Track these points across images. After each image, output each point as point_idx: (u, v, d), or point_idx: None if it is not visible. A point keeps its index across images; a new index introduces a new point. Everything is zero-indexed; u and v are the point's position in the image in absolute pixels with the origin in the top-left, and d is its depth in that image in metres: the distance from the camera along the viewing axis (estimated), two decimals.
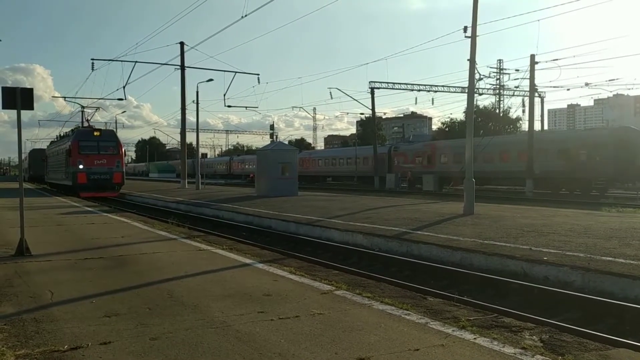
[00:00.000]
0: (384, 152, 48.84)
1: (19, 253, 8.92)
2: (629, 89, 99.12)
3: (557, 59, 52.74)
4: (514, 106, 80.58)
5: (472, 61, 16.88)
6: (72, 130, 36.68)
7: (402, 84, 47.70)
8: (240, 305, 5.67)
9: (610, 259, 8.54)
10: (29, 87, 9.31)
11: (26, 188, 37.46)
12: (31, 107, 9.15)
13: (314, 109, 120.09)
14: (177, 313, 5.35)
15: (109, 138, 31.98)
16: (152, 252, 9.45)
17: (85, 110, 37.74)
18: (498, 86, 61.18)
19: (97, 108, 41.45)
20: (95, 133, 31.65)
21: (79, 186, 29.94)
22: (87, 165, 30.02)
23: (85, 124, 37.96)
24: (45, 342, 4.47)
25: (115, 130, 48.43)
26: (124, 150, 33.45)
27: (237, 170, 78.46)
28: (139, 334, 4.68)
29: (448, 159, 40.43)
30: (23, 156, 11.49)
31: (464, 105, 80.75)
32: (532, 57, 34.01)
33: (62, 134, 43.45)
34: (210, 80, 38.89)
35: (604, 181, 30.56)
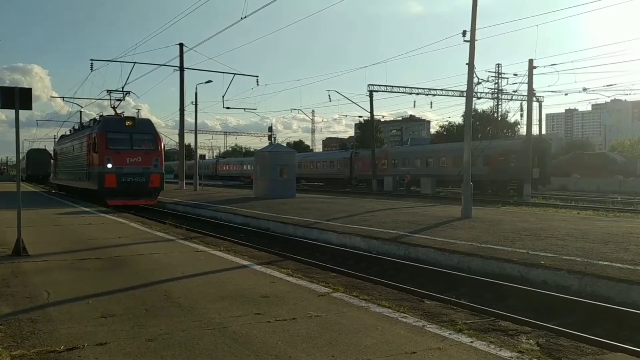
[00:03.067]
0: (347, 157, 53.59)
1: (16, 253, 8.89)
2: (627, 94, 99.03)
3: (555, 64, 52.51)
4: (512, 110, 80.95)
5: (470, 65, 16.91)
6: (94, 119, 28.48)
7: (401, 87, 47.77)
8: (237, 306, 5.66)
9: (607, 263, 8.55)
10: (27, 87, 9.29)
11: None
12: (29, 107, 9.14)
13: (313, 111, 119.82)
14: (173, 314, 5.34)
15: (144, 129, 24.70)
16: (149, 253, 9.43)
17: (112, 94, 28.19)
18: (496, 90, 61.25)
19: (128, 92, 30.58)
20: (128, 122, 24.22)
21: (106, 191, 22.97)
22: (118, 164, 22.96)
23: (106, 114, 29.12)
24: (41, 342, 4.46)
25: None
26: (163, 146, 26.47)
27: (222, 172, 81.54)
28: (135, 335, 4.66)
29: (398, 163, 46.35)
30: (21, 156, 11.46)
31: (462, 108, 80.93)
32: (531, 61, 34.06)
33: (76, 126, 34.37)
34: (209, 81, 38.79)
35: (516, 184, 34.71)
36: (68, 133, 36.50)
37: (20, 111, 9.03)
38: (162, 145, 25.63)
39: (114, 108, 28.11)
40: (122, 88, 35.31)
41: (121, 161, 23.10)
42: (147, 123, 25.95)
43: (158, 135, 25.21)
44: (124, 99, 28.80)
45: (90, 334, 4.66)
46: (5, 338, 4.58)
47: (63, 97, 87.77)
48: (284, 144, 62.33)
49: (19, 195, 9.53)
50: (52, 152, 42.56)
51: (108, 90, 28.46)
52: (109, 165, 22.88)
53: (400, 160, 46.71)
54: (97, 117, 28.01)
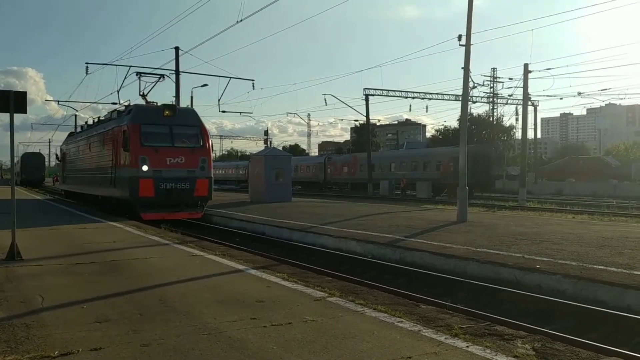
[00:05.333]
0: (321, 162, 57.08)
1: (10, 257, 8.84)
2: (621, 98, 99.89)
3: (550, 68, 52.96)
4: (507, 114, 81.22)
5: (466, 69, 16.97)
6: (116, 110, 22.63)
7: (397, 91, 47.89)
8: (232, 311, 5.64)
9: (602, 267, 8.57)
10: (21, 90, 9.26)
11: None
12: (24, 111, 9.11)
13: (308, 115, 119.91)
14: (169, 319, 5.31)
15: (188, 120, 19.41)
16: (145, 257, 9.39)
17: (141, 77, 22.47)
18: (492, 94, 61.45)
19: (161, 76, 23.77)
20: (167, 112, 18.79)
21: (140, 202, 17.69)
22: (156, 165, 17.73)
23: (132, 101, 23.11)
24: (35, 347, 4.43)
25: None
26: (211, 143, 20.65)
27: (217, 176, 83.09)
28: (130, 340, 4.64)
29: (365, 169, 48.15)
30: (15, 160, 11.39)
31: (457, 112, 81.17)
32: (526, 66, 34.20)
33: (95, 119, 26.94)
34: (205, 85, 38.76)
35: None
36: (79, 130, 30.66)
37: (15, 115, 9.00)
38: (210, 142, 20.07)
39: (143, 95, 22.07)
40: (118, 92, 34.25)
41: (160, 162, 17.79)
42: (191, 113, 20.55)
43: (205, 128, 19.70)
44: (160, 80, 23.16)
45: (84, 339, 4.63)
46: None
47: (58, 101, 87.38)
48: (280, 148, 62.41)
49: (14, 201, 9.48)
50: (58, 153, 35.55)
51: (138, 73, 22.44)
52: (145, 168, 17.57)
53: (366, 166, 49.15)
54: (122, 107, 22.39)
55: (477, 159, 36.54)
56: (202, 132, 19.32)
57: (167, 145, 18.26)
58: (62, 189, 35.01)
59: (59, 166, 37.11)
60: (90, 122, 26.97)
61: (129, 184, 17.72)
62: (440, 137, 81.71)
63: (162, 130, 18.54)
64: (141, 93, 22.32)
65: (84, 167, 25.29)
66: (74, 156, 28.76)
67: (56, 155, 37.18)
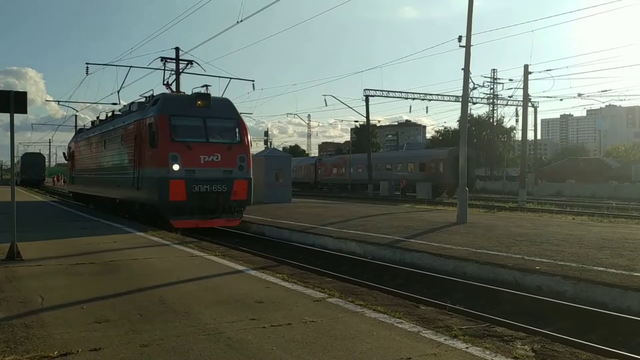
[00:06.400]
0: (312, 163, 59.21)
1: (10, 257, 8.84)
2: (621, 99, 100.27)
3: (550, 70, 52.88)
4: (508, 115, 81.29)
5: (466, 70, 16.99)
6: (139, 102, 18.95)
7: (397, 92, 47.91)
8: (232, 312, 5.64)
9: (602, 269, 8.58)
10: (22, 90, 9.26)
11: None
12: (24, 111, 9.12)
13: (309, 115, 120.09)
14: (168, 319, 5.31)
15: (224, 112, 16.76)
16: (144, 257, 9.39)
17: (167, 62, 19.64)
18: (492, 95, 61.47)
19: (189, 62, 21.03)
20: (199, 102, 16.20)
21: (171, 207, 15.25)
22: (189, 164, 15.31)
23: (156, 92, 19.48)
24: (34, 348, 4.43)
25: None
26: (250, 139, 17.65)
27: None
28: (129, 340, 4.64)
29: (354, 170, 50.95)
30: (15, 160, 11.39)
31: (458, 114, 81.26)
32: (526, 67, 34.19)
33: (108, 113, 23.68)
34: (205, 86, 38.71)
35: (445, 187, 39.34)
36: (90, 127, 27.53)
37: (15, 115, 9.00)
38: (250, 137, 17.26)
39: (167, 84, 19.30)
40: (118, 92, 33.59)
41: (193, 161, 15.37)
42: (228, 103, 17.39)
43: (243, 121, 17.05)
44: (188, 67, 20.45)
45: (84, 340, 4.63)
46: None
47: (58, 101, 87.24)
48: (280, 149, 62.58)
49: (14, 202, 9.49)
50: (65, 152, 32.68)
51: (162, 58, 19.57)
52: (175, 167, 15.14)
53: (357, 166, 51.17)
54: (146, 98, 18.83)
55: (457, 161, 37.25)
56: (240, 126, 16.75)
57: (201, 140, 15.75)
58: (70, 191, 32.22)
59: (66, 166, 34.62)
60: (102, 117, 24.52)
61: (157, 186, 15.28)
62: (440, 138, 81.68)
63: (194, 123, 15.99)
64: (165, 82, 19.44)
65: (98, 166, 22.48)
66: (85, 154, 25.84)
67: (63, 154, 34.07)
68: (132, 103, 19.52)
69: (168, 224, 14.99)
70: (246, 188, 16.13)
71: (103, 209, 21.49)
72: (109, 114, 23.31)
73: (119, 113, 21.36)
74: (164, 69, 20.70)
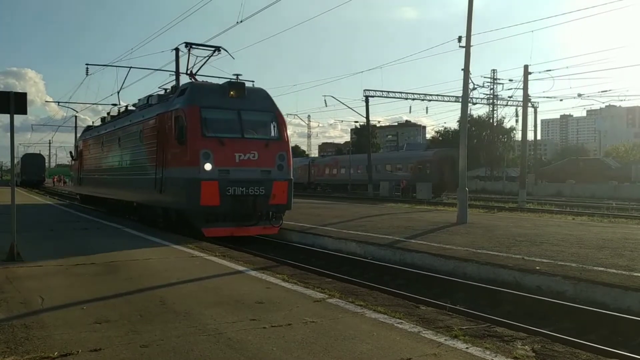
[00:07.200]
0: (306, 164, 60.29)
1: (10, 258, 8.84)
2: (621, 100, 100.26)
3: (550, 70, 52.91)
4: (508, 116, 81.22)
5: (466, 71, 17.00)
6: (159, 94, 17.47)
7: (397, 92, 47.92)
8: (232, 312, 5.64)
9: (602, 269, 8.58)
10: (22, 91, 9.27)
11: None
12: (24, 112, 9.12)
13: (309, 116, 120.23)
14: (168, 320, 5.31)
15: (260, 104, 14.91)
16: (144, 258, 9.39)
17: (192, 49, 17.30)
18: (492, 96, 61.47)
19: (217, 49, 17.93)
20: (233, 92, 14.40)
21: (201, 212, 13.41)
22: (223, 163, 13.48)
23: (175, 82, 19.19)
24: (35, 348, 4.43)
25: None
26: (288, 134, 15.33)
27: None
28: (129, 341, 4.64)
29: (345, 170, 52.57)
30: (15, 161, 11.39)
31: (458, 114, 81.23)
32: (526, 67, 34.21)
33: (120, 108, 22.45)
34: (237, 75, 38.32)
35: (434, 186, 40.62)
36: (99, 124, 25.28)
37: (15, 116, 9.00)
38: (288, 131, 15.28)
39: (191, 74, 17.16)
40: (118, 93, 32.93)
41: (227, 159, 13.53)
42: (263, 94, 15.39)
43: (281, 114, 15.29)
44: (215, 54, 17.60)
45: (84, 340, 4.63)
46: None
47: (58, 102, 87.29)
48: None
49: (13, 203, 9.49)
50: (72, 151, 30.67)
51: (187, 44, 17.26)
52: (208, 167, 13.27)
53: (347, 167, 52.77)
54: (165, 90, 17.32)
55: (442, 162, 40.75)
56: (278, 119, 14.93)
57: (236, 136, 13.91)
58: (77, 193, 30.11)
59: (72, 166, 32.90)
60: (114, 112, 23.13)
61: (187, 189, 13.42)
62: (440, 138, 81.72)
63: (228, 116, 14.15)
64: (189, 71, 17.19)
65: (112, 166, 20.57)
66: (95, 153, 23.73)
67: (70, 153, 32.21)
68: (150, 96, 17.91)
69: (196, 232, 13.33)
70: (286, 190, 14.34)
71: (116, 212, 20.04)
72: (122, 109, 21.82)
73: (133, 108, 19.82)
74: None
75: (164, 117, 14.98)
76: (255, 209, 13.79)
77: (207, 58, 17.44)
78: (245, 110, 14.31)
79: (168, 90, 17.08)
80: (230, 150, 13.56)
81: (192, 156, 13.35)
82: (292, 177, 14.59)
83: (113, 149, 20.51)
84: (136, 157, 17.38)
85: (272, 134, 14.72)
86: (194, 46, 17.26)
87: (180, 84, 18.62)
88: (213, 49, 17.47)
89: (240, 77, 16.02)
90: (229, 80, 14.75)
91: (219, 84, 15.33)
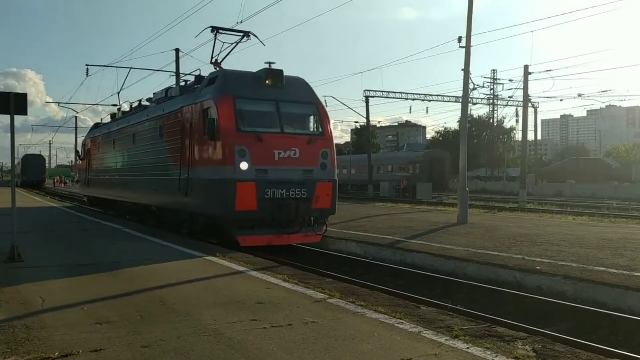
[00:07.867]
0: None
1: (10, 259, 8.84)
2: (622, 100, 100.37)
3: (550, 70, 52.93)
4: (508, 116, 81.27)
5: (466, 71, 17.01)
6: (181, 86, 16.33)
7: (397, 92, 47.93)
8: (232, 312, 5.64)
9: (602, 269, 8.58)
10: (22, 92, 9.27)
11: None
12: (25, 112, 9.11)
13: None
14: (169, 320, 5.31)
15: (299, 94, 13.12)
16: (145, 258, 9.38)
17: (218, 33, 14.95)
18: (492, 96, 61.45)
19: (246, 34, 15.68)
20: (268, 81, 12.62)
21: (236, 217, 11.75)
22: (260, 162, 11.81)
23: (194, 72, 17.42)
24: (35, 349, 4.43)
25: None
26: (331, 128, 13.41)
27: None
28: (130, 341, 4.64)
29: (346, 171, 51.65)
30: (16, 161, 11.40)
31: (458, 114, 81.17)
32: (526, 67, 34.21)
33: (133, 104, 20.95)
34: (269, 63, 38.08)
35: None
36: (110, 120, 23.22)
37: (15, 116, 9.00)
38: (331, 124, 13.38)
39: (216, 63, 15.19)
40: (118, 93, 32.57)
41: (265, 157, 11.88)
42: (303, 83, 13.56)
43: (323, 106, 13.55)
44: (244, 41, 15.37)
45: (84, 341, 4.63)
46: None
47: (58, 103, 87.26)
48: None
49: (14, 204, 9.49)
50: (80, 148, 28.54)
51: (213, 28, 15.18)
52: (244, 166, 11.63)
53: (347, 167, 53.25)
54: (186, 83, 15.85)
55: (432, 163, 43.23)
56: (320, 112, 13.12)
57: (275, 131, 12.25)
58: (84, 195, 28.18)
59: (77, 166, 30.77)
60: (126, 107, 21.32)
61: (219, 191, 11.77)
62: (440, 138, 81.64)
63: (265, 107, 12.53)
64: (214, 59, 15.25)
65: (126, 165, 18.74)
66: (106, 152, 21.80)
67: (77, 151, 30.44)
68: (169, 88, 16.52)
69: (227, 241, 11.98)
70: (330, 193, 12.56)
71: (131, 216, 18.84)
72: (134, 104, 20.23)
73: (147, 104, 18.54)
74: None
75: (190, 110, 13.27)
76: (298, 214, 12.02)
77: (234, 44, 15.35)
78: (284, 102, 12.59)
79: (192, 81, 15.47)
80: (269, 147, 11.87)
81: (226, 153, 11.67)
82: (336, 178, 12.96)
83: (127, 147, 18.66)
84: (155, 156, 15.63)
85: (314, 128, 13.06)
86: (220, 31, 15.21)
87: (184, 83, 17.22)
88: (242, 34, 15.43)
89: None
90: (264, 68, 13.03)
91: (252, 72, 13.23)
